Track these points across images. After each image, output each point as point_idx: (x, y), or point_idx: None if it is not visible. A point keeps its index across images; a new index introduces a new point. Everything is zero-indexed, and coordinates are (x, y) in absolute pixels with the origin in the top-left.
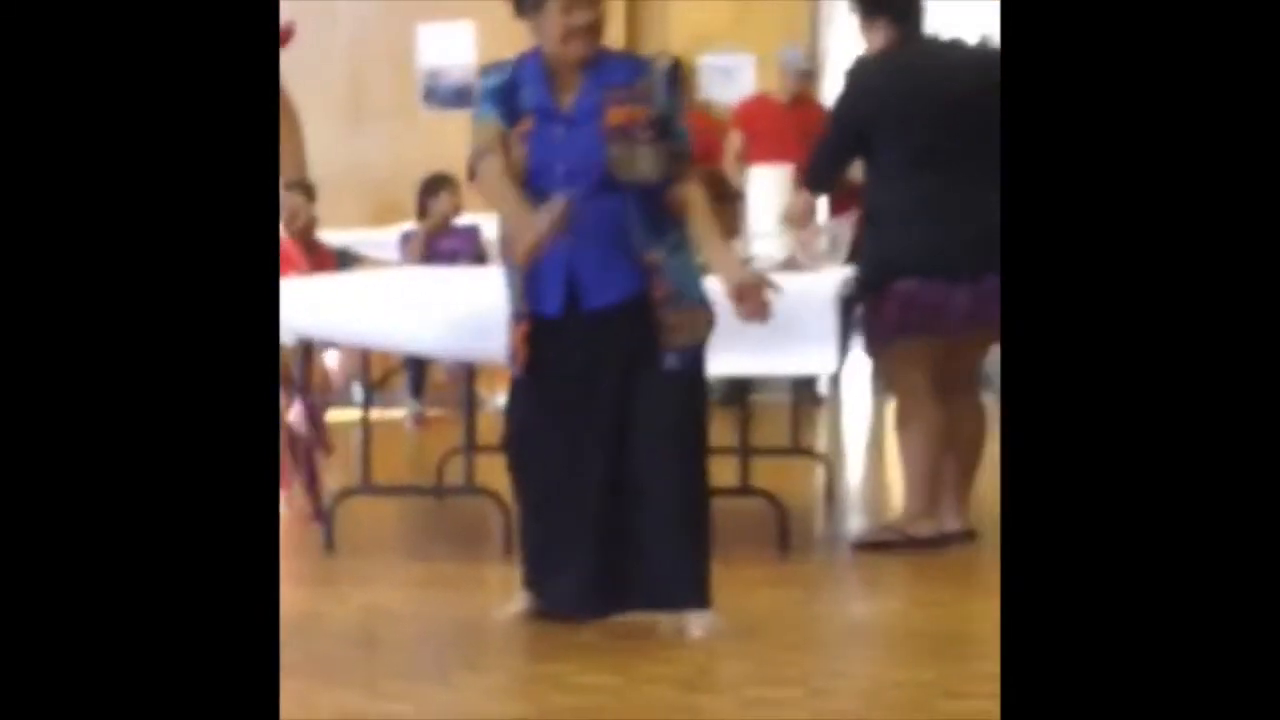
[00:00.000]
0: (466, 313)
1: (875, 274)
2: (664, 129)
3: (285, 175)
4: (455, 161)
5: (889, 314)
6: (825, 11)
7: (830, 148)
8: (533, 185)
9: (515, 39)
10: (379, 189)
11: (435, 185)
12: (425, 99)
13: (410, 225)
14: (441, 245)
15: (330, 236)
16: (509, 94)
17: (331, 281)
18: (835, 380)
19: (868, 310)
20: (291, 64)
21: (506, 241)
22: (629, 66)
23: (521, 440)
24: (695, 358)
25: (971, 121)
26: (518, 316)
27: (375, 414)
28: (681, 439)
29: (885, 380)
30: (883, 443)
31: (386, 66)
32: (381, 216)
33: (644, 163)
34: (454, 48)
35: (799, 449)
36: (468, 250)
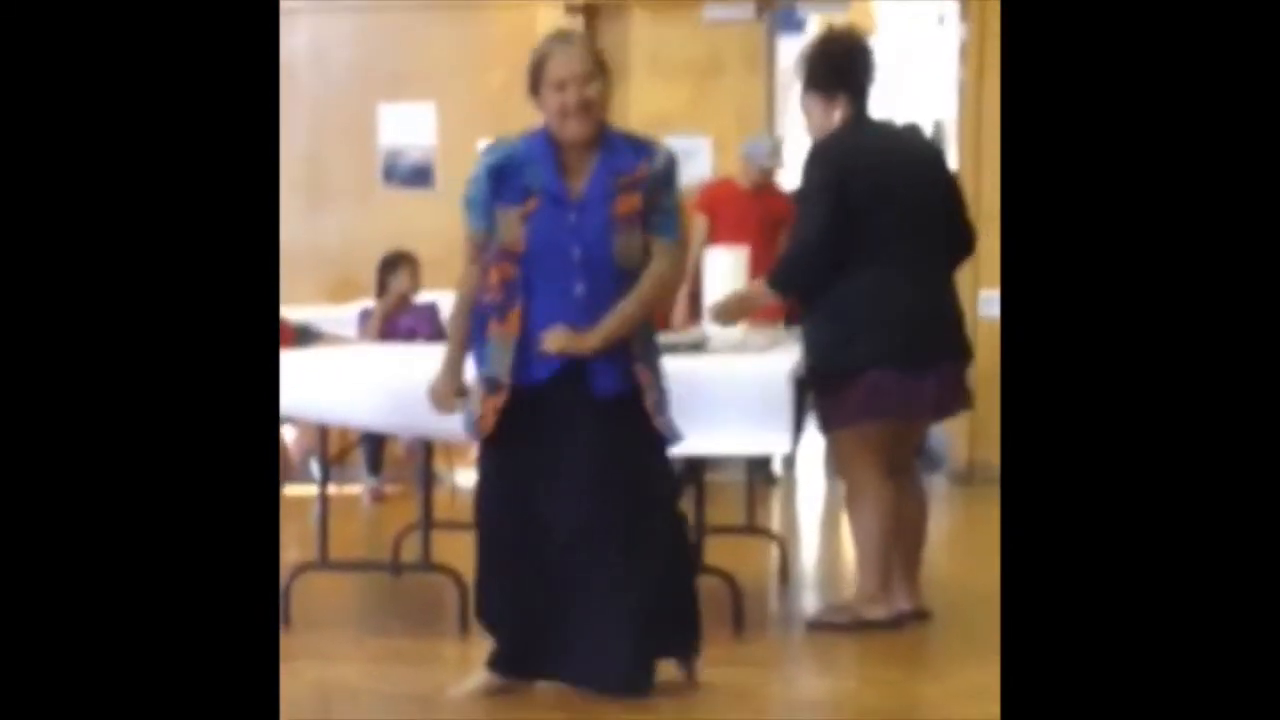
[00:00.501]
0: (424, 389)
1: (840, 361)
2: (654, 214)
3: None
4: (413, 239)
5: (855, 399)
6: (780, 95)
7: (816, 239)
8: (531, 267)
9: (476, 120)
10: (338, 266)
11: (394, 263)
12: (385, 177)
13: (369, 302)
14: (400, 323)
15: (290, 312)
16: (511, 173)
17: (289, 357)
18: (789, 460)
19: (828, 393)
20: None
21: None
22: (634, 150)
23: (485, 500)
24: (672, 442)
25: (925, 207)
26: (492, 386)
27: (332, 489)
28: (649, 523)
29: (837, 461)
30: (837, 522)
31: (347, 145)
32: (340, 293)
33: (639, 249)
34: (414, 128)
35: (754, 528)
36: (426, 328)
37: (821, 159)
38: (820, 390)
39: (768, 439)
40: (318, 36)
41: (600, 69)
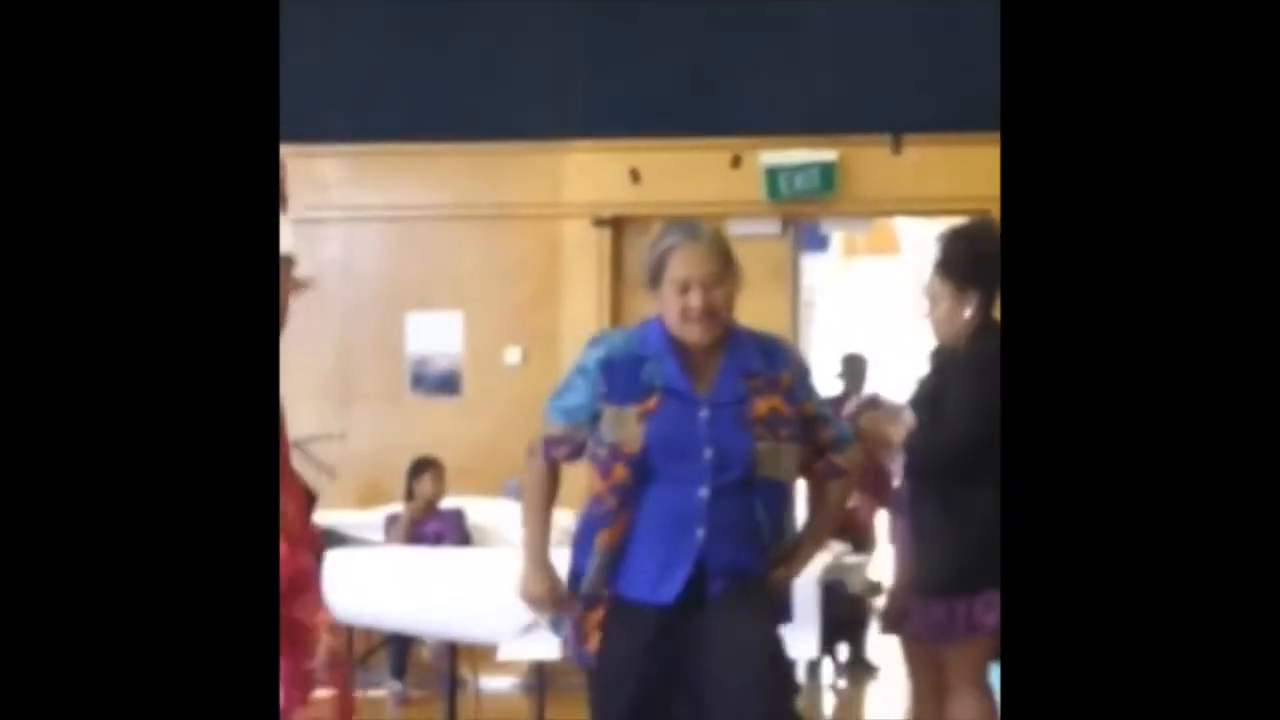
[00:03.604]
0: (451, 593)
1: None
2: (806, 425)
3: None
4: (440, 446)
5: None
6: (804, 312)
7: (970, 444)
8: (646, 470)
9: (503, 329)
10: (365, 472)
11: (420, 468)
12: (412, 385)
13: (395, 507)
14: (427, 527)
15: (317, 517)
16: (627, 368)
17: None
18: (814, 666)
19: (951, 610)
20: (283, 347)
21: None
22: (765, 351)
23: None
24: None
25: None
26: (591, 600)
27: (357, 693)
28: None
29: (931, 671)
30: None
31: (375, 352)
32: (368, 498)
33: (787, 460)
34: (442, 336)
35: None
36: (452, 533)
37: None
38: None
39: (796, 641)
40: (348, 246)
41: (728, 269)
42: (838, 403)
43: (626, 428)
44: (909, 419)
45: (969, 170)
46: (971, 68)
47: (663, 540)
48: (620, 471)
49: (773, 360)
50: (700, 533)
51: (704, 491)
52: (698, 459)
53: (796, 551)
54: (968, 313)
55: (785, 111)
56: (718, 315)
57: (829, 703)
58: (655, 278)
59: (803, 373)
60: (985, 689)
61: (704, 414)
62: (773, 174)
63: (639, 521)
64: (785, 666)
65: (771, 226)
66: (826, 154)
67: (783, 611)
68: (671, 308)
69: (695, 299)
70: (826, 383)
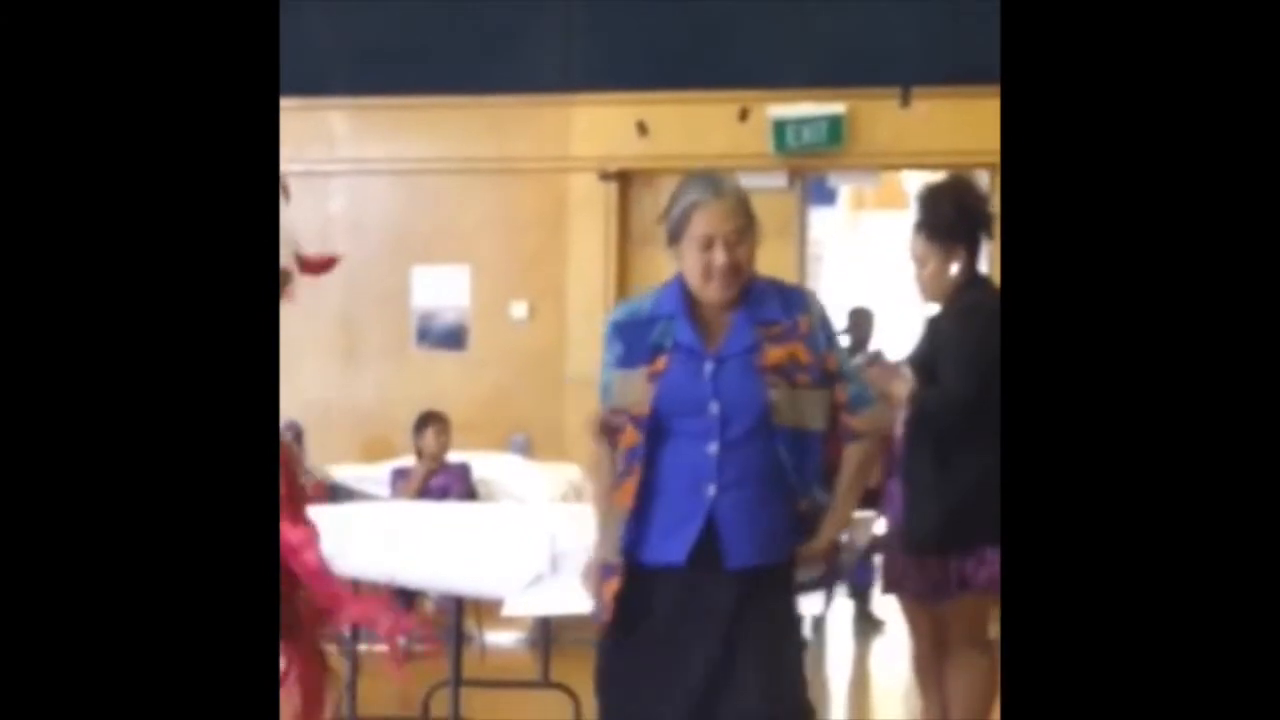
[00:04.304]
0: (456, 548)
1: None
2: (826, 373)
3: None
4: (446, 400)
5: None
6: (811, 265)
7: (972, 399)
8: (656, 430)
9: (509, 283)
10: (371, 426)
11: (424, 423)
12: (418, 339)
13: (401, 462)
14: (432, 482)
15: (322, 471)
16: (639, 331)
17: (321, 513)
18: (819, 622)
19: (945, 568)
20: (287, 302)
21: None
22: (783, 298)
23: (608, 694)
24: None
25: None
26: (607, 570)
27: (362, 647)
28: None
29: (949, 630)
30: (867, 686)
31: (381, 306)
32: (373, 452)
33: (811, 407)
34: (448, 290)
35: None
36: (458, 488)
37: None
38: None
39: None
40: (354, 200)
41: (750, 225)
42: None
43: (635, 390)
44: (909, 375)
45: (978, 124)
46: (981, 21)
47: (675, 501)
48: (631, 435)
49: (792, 307)
50: (711, 489)
51: (713, 447)
52: (704, 414)
53: (821, 525)
54: (954, 269)
55: (793, 64)
56: (740, 272)
57: (836, 659)
58: (676, 235)
59: (824, 320)
60: (985, 646)
61: (709, 368)
62: (780, 127)
63: (652, 484)
64: (797, 647)
65: (779, 180)
66: (834, 107)
67: (830, 576)
68: (694, 265)
69: (720, 256)
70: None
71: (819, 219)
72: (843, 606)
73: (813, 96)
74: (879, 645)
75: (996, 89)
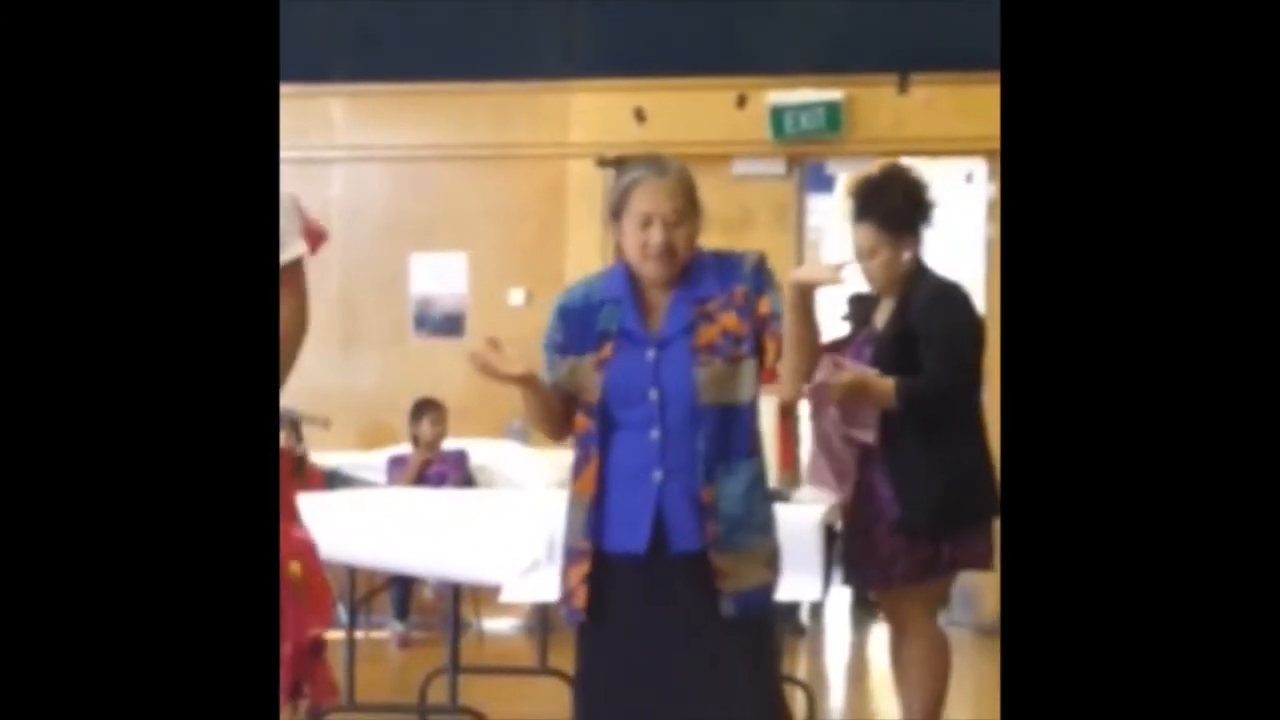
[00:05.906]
0: (454, 534)
1: (958, 512)
2: (759, 322)
3: None
4: (443, 387)
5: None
6: (809, 252)
7: (953, 385)
8: (606, 417)
9: (507, 270)
10: (368, 413)
11: (420, 410)
12: (416, 326)
13: (398, 449)
14: (429, 469)
15: (319, 458)
16: (585, 316)
17: (318, 500)
18: (817, 609)
19: (927, 546)
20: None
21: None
22: (721, 270)
23: (587, 692)
24: (758, 604)
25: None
26: (573, 554)
27: (360, 634)
28: (739, 698)
29: (898, 610)
30: (865, 672)
31: (379, 293)
32: (370, 439)
33: (738, 381)
34: (446, 277)
35: (782, 677)
36: (455, 475)
37: (961, 303)
38: (923, 542)
39: (798, 586)
40: (352, 186)
41: (692, 208)
42: (844, 343)
43: (585, 377)
44: (874, 372)
45: (976, 110)
46: (980, 7)
47: (628, 489)
48: (583, 422)
49: (727, 278)
50: (657, 476)
51: (655, 434)
52: (645, 401)
53: (782, 379)
54: (906, 257)
55: (791, 51)
56: (676, 254)
57: (834, 646)
58: (617, 211)
59: (757, 272)
60: (937, 626)
61: (650, 354)
62: (778, 113)
63: (607, 472)
64: (765, 630)
65: (777, 166)
66: (832, 93)
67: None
68: (632, 243)
69: (656, 235)
70: (833, 324)
71: (817, 206)
72: (840, 593)
73: (811, 83)
74: (877, 632)
75: (996, 75)
